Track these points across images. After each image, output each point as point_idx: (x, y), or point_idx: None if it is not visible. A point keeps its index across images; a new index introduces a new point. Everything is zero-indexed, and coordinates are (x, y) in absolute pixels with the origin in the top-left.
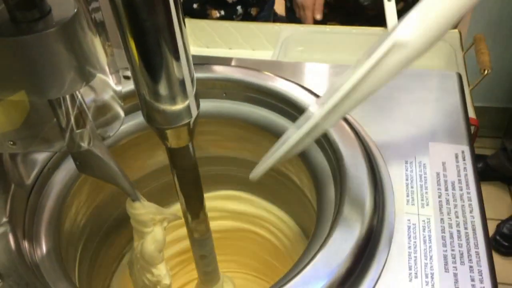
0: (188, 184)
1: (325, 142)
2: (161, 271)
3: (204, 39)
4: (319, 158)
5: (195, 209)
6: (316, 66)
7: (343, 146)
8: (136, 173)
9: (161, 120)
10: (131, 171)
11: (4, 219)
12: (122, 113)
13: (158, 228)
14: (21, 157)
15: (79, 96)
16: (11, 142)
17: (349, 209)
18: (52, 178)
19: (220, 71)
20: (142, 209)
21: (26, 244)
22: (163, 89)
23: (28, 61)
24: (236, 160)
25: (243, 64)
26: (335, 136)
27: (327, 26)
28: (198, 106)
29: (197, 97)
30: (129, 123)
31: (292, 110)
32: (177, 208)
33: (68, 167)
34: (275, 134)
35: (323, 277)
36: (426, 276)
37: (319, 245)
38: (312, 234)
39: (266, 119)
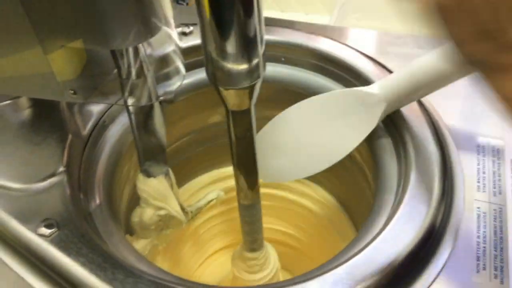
0: (244, 148)
1: (391, 117)
2: (175, 207)
3: None
4: (382, 134)
5: (247, 174)
6: (376, 34)
7: (410, 122)
8: (188, 132)
9: (225, 80)
10: (183, 130)
11: (61, 168)
12: (183, 70)
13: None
14: (77, 108)
15: (142, 49)
16: (72, 91)
17: (415, 192)
18: (107, 131)
19: (280, 34)
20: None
21: (81, 195)
22: (231, 47)
23: (94, 8)
24: None
25: (302, 28)
26: (402, 111)
27: None
28: (264, 68)
29: (264, 59)
30: (185, 81)
31: (356, 81)
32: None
33: (123, 121)
34: None
35: (383, 261)
36: (495, 269)
37: (380, 227)
38: (370, 213)
39: (328, 88)
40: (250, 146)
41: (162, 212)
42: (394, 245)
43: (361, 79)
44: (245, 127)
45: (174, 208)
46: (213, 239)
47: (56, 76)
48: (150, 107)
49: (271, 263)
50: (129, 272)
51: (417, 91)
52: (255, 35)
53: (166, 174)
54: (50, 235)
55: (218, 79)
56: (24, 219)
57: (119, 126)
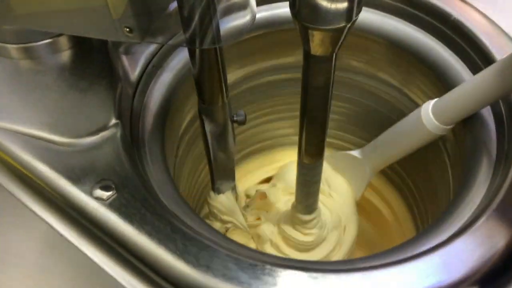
0: (318, 100)
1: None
2: (240, 220)
3: None
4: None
5: (317, 129)
6: None
7: None
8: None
9: (314, 18)
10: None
11: (114, 120)
12: (255, 8)
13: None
14: (123, 50)
15: None
16: (128, 29)
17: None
18: (156, 77)
19: None
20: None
21: (135, 153)
22: None
23: None
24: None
25: None
26: None
27: None
28: (359, 10)
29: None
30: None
31: (442, 25)
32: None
33: (172, 66)
34: (417, 54)
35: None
36: None
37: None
38: (454, 201)
39: (408, 35)
40: (325, 97)
41: (229, 225)
42: (496, 232)
43: (447, 24)
44: (324, 76)
45: (239, 221)
46: None
47: (111, 11)
48: (224, 128)
49: (324, 225)
50: (203, 244)
51: (398, 155)
52: None
53: (233, 189)
54: (108, 198)
55: (305, 16)
56: (76, 178)
57: (168, 71)
